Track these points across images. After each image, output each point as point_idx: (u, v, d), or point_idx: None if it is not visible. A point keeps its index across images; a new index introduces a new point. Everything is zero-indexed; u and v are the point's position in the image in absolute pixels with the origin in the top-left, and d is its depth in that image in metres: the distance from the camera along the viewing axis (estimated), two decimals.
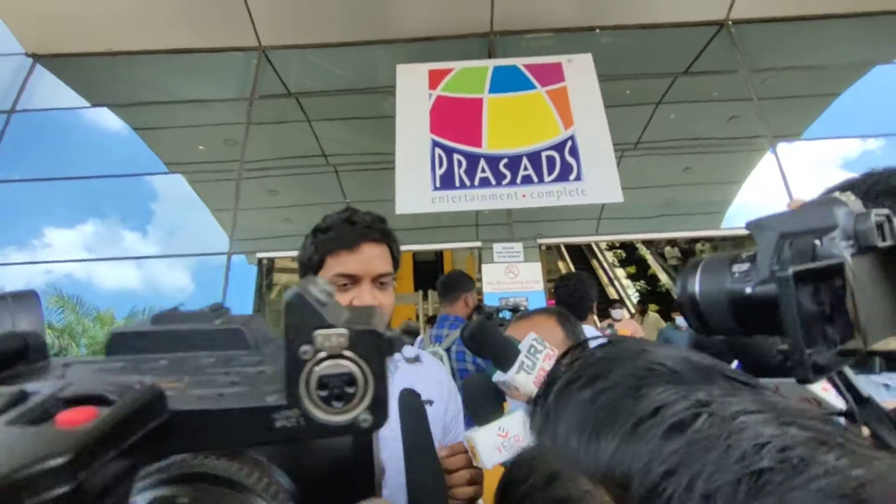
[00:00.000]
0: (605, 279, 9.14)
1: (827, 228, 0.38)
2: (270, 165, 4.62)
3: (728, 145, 4.58)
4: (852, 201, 0.40)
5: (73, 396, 0.17)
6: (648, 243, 9.10)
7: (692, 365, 0.24)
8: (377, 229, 1.06)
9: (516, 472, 0.26)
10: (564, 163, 3.88)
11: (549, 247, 4.40)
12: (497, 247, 3.83)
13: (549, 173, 3.84)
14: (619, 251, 9.64)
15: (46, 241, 4.51)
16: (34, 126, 4.65)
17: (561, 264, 9.05)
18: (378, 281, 1.03)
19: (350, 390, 0.19)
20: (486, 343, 0.60)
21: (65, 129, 4.81)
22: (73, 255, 4.45)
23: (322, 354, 0.19)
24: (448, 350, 2.16)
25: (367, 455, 0.26)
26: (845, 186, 0.67)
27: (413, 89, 4.20)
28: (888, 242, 0.37)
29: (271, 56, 4.85)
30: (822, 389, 0.56)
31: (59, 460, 0.13)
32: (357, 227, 1.04)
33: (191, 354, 0.25)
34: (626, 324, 5.95)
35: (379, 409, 0.19)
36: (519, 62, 4.32)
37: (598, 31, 4.85)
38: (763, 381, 0.25)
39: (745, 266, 0.42)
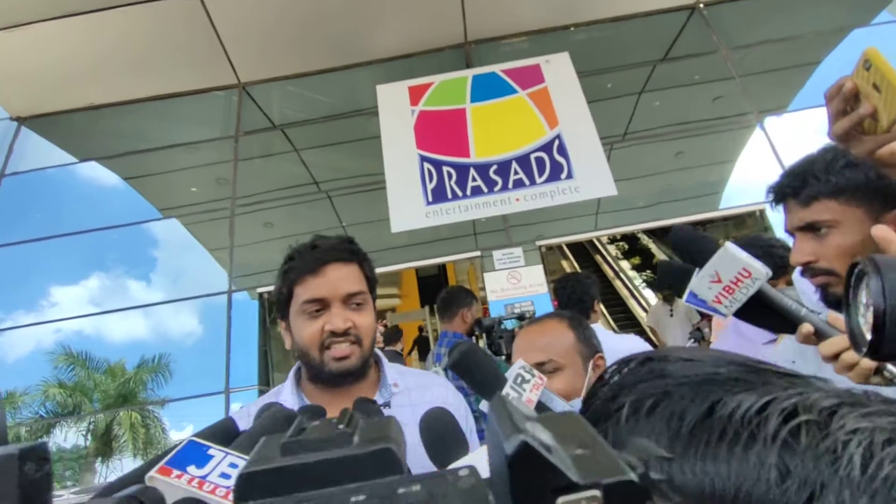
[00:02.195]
0: (610, 273, 9.08)
1: None
2: (263, 199, 4.64)
3: (716, 126, 4.57)
4: None
5: None
6: (649, 232, 9.06)
7: (743, 367, 0.23)
8: (341, 249, 1.03)
9: None
10: (554, 162, 3.86)
11: (549, 247, 4.38)
12: (496, 254, 3.81)
13: (540, 174, 3.83)
14: (621, 243, 9.60)
15: (53, 299, 4.54)
16: (26, 187, 4.69)
17: (565, 263, 9.01)
18: (351, 302, 1.00)
19: None
20: (470, 372, 0.57)
21: (57, 186, 4.85)
22: (79, 310, 4.46)
23: None
24: (446, 369, 2.10)
25: None
26: None
27: (395, 108, 4.21)
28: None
29: (252, 91, 4.88)
30: None
31: None
32: (319, 250, 1.02)
33: (337, 491, 0.20)
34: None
35: None
36: (497, 68, 4.33)
37: (572, 28, 4.87)
38: None
39: None
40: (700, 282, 0.70)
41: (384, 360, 1.09)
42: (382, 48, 4.75)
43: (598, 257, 9.47)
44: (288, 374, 1.07)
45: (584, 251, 9.49)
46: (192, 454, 0.42)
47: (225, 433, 0.54)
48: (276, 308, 1.07)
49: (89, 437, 4.41)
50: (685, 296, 0.75)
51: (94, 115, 4.86)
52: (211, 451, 0.45)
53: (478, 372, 0.55)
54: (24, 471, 0.18)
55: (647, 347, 1.95)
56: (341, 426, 0.25)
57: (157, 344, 4.39)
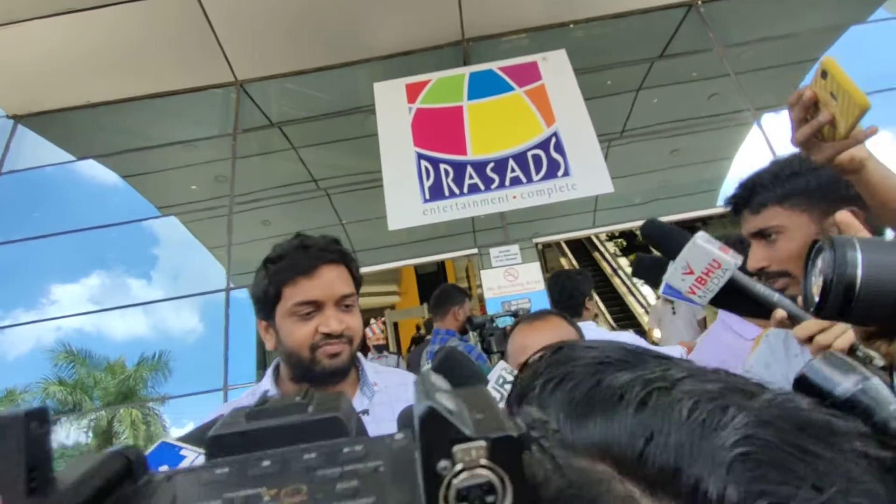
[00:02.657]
0: (608, 270, 9.10)
1: None
2: (261, 197, 4.65)
3: (713, 123, 4.57)
4: None
5: None
6: None
7: (628, 352, 0.30)
8: (333, 250, 1.03)
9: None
10: (551, 160, 3.87)
11: (548, 245, 4.39)
12: (493, 251, 3.82)
13: (537, 172, 3.84)
14: (619, 240, 9.61)
15: (53, 297, 4.55)
16: (25, 186, 4.70)
17: (563, 261, 9.03)
18: (342, 304, 1.00)
19: (490, 499, 0.19)
20: (452, 375, 0.55)
21: (56, 184, 4.86)
22: (80, 308, 4.48)
23: (459, 467, 0.19)
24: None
25: None
26: None
27: (392, 105, 4.22)
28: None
29: (249, 89, 4.89)
30: None
31: None
32: (311, 250, 1.01)
33: (292, 450, 0.24)
34: None
35: None
36: (494, 66, 4.33)
37: (571, 25, 4.87)
38: None
39: None
40: (673, 274, 0.73)
41: (363, 359, 1.11)
42: (380, 45, 4.76)
43: (596, 254, 9.48)
44: (266, 373, 1.07)
45: (582, 248, 9.50)
46: (164, 455, 0.44)
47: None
48: (257, 308, 1.04)
49: (90, 434, 4.44)
50: (661, 287, 0.78)
51: (92, 112, 4.87)
52: (183, 452, 0.49)
53: (459, 375, 0.56)
54: (30, 427, 0.21)
55: (640, 342, 1.99)
56: (298, 398, 0.28)
57: (157, 341, 4.41)
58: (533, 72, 4.25)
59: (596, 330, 2.10)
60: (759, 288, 0.67)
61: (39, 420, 0.21)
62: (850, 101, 0.71)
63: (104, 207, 4.78)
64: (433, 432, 0.19)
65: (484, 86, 4.22)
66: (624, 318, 8.12)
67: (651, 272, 0.78)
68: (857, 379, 0.26)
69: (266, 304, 1.01)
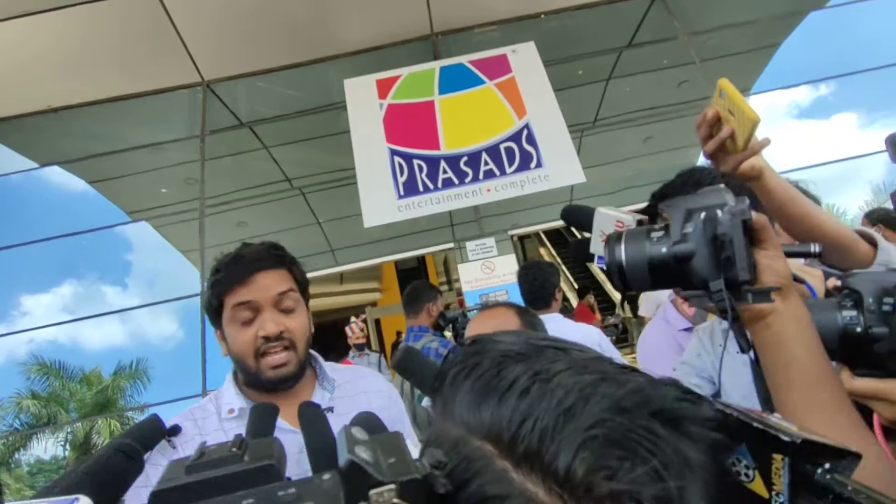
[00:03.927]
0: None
1: (721, 205, 0.57)
2: (234, 198, 4.59)
3: (683, 110, 4.64)
4: (726, 190, 0.60)
5: None
6: None
7: (530, 345, 0.33)
8: (268, 257, 1.03)
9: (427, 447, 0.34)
10: (524, 152, 3.89)
11: (527, 236, 4.42)
12: (469, 244, 3.84)
13: (510, 164, 3.85)
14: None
15: (24, 308, 4.44)
16: None
17: (543, 251, 9.10)
18: (280, 305, 1.01)
19: None
20: (412, 371, 0.60)
21: (20, 193, 4.73)
22: (52, 318, 4.38)
23: None
24: None
25: None
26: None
27: (363, 102, 4.19)
28: (748, 218, 0.56)
29: (217, 89, 4.80)
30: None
31: None
32: (245, 260, 1.01)
33: (232, 497, 0.27)
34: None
35: None
36: (464, 59, 4.33)
37: (542, 16, 4.88)
38: None
39: (660, 234, 0.59)
40: (596, 244, 0.83)
41: (320, 358, 1.13)
42: (349, 41, 4.71)
43: None
44: (225, 378, 1.09)
45: (561, 238, 9.58)
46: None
47: (153, 431, 0.59)
48: (209, 318, 1.07)
49: (68, 447, 4.35)
50: (595, 260, 0.87)
51: (54, 118, 4.73)
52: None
53: (418, 370, 0.58)
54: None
55: (601, 338, 2.10)
56: (234, 449, 0.32)
57: (134, 349, 4.34)
58: (503, 64, 4.26)
59: (562, 321, 2.15)
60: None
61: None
62: (744, 116, 0.80)
63: (73, 215, 4.66)
64: (353, 480, 0.24)
65: (455, 80, 4.22)
66: (604, 304, 8.22)
67: (584, 250, 0.87)
68: None
69: (213, 314, 1.04)
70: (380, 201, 3.81)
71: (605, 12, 4.89)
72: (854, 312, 0.64)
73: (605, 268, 0.62)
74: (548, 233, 9.05)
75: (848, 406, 0.57)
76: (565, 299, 7.49)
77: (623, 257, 0.59)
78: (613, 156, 4.82)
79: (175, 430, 0.89)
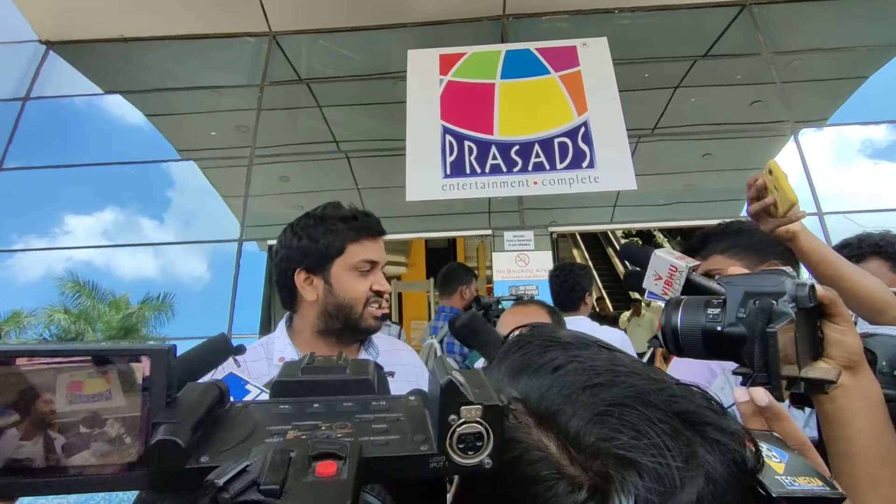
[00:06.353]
0: (620, 267, 9.02)
1: (780, 293, 0.57)
2: (282, 152, 4.62)
3: (749, 130, 4.44)
4: (791, 272, 0.60)
5: (317, 453, 0.25)
6: (666, 231, 8.95)
7: (579, 339, 0.37)
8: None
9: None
10: (577, 149, 3.79)
11: (563, 235, 4.34)
12: (507, 235, 3.78)
13: (562, 160, 3.76)
14: (636, 239, 9.49)
15: (66, 228, 4.59)
16: (49, 113, 4.70)
17: (576, 252, 8.96)
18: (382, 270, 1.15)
19: (479, 444, 0.28)
20: (475, 335, 0.66)
21: (79, 116, 4.86)
22: (90, 241, 4.52)
23: (463, 420, 0.27)
24: (441, 341, 2.23)
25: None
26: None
27: (424, 75, 4.13)
28: (812, 304, 0.56)
29: (282, 42, 4.81)
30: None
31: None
32: (374, 220, 1.13)
33: (335, 399, 0.34)
34: None
35: (496, 455, 0.28)
36: (532, 46, 4.21)
37: (616, 12, 4.71)
38: None
39: (717, 311, 0.61)
40: (648, 281, 0.90)
41: None
42: (418, 12, 4.64)
43: (609, 249, 9.39)
44: (278, 325, 1.14)
45: (596, 242, 9.42)
46: (231, 385, 0.52)
47: (224, 346, 0.67)
48: (305, 259, 1.09)
49: None
50: (646, 294, 0.97)
51: (123, 47, 4.83)
52: (248, 387, 0.66)
53: (481, 334, 0.66)
54: (169, 359, 0.29)
55: (625, 340, 2.11)
56: (340, 361, 0.38)
57: (164, 283, 4.45)
58: (571, 57, 4.13)
59: (589, 324, 2.12)
60: (712, 285, 0.80)
61: (174, 355, 0.29)
62: (785, 196, 0.97)
63: (125, 144, 4.77)
64: (450, 395, 0.27)
65: (519, 65, 4.12)
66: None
67: (637, 283, 0.94)
68: None
69: (321, 257, 1.08)
70: (425, 177, 3.77)
71: (685, 17, 4.68)
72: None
73: (659, 332, 0.66)
74: (583, 235, 8.90)
75: None
76: (599, 299, 7.39)
77: (679, 324, 0.62)
78: (668, 167, 4.65)
79: (241, 349, 0.96)
